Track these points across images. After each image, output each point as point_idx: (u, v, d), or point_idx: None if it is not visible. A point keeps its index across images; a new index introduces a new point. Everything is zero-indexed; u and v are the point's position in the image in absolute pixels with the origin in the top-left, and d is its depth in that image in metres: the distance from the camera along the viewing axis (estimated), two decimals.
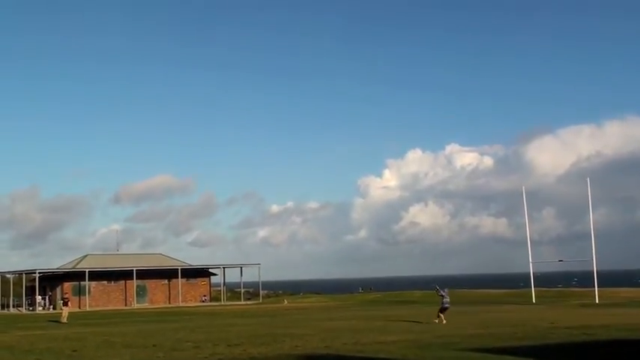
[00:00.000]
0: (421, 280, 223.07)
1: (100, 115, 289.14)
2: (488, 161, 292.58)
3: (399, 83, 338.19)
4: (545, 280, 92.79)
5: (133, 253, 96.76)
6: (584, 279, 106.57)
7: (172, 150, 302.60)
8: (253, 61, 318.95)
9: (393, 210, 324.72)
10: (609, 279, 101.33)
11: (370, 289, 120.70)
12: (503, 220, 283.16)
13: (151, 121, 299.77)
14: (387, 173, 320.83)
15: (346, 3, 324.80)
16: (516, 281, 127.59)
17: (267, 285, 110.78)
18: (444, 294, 36.73)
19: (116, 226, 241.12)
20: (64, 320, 47.05)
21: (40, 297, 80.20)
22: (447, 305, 36.53)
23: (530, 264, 65.71)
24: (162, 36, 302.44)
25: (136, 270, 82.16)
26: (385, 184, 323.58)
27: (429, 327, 33.99)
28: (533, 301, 62.79)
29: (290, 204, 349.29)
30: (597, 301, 59.01)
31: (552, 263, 72.53)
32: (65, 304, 49.58)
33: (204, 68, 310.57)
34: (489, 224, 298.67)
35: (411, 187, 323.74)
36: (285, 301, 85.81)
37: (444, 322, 35.39)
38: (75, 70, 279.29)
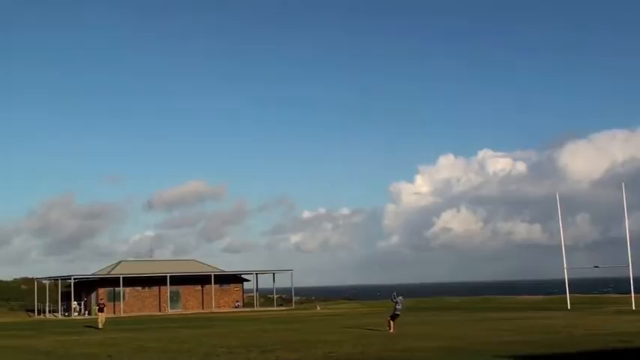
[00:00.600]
0: (454, 286, 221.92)
1: (133, 123, 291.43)
2: (521, 166, 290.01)
3: (430, 89, 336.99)
4: (580, 286, 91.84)
5: (166, 260, 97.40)
6: (619, 285, 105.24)
7: (205, 157, 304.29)
8: (283, 68, 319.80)
9: (425, 216, 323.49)
10: None
11: (402, 295, 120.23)
12: (536, 226, 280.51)
13: (184, 129, 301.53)
14: (419, 179, 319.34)
15: (379, 7, 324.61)
16: (551, 288, 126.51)
17: (299, 291, 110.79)
18: (398, 301, 36.66)
19: (149, 233, 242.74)
20: (101, 326, 47.46)
21: (75, 302, 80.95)
22: (398, 312, 36.46)
23: (565, 270, 65.07)
24: (196, 48, 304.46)
25: (170, 276, 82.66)
26: (417, 190, 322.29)
27: (462, 333, 33.82)
28: (568, 307, 62.14)
29: (322, 210, 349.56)
30: (634, 308, 58.26)
31: (587, 269, 71.74)
32: (101, 309, 49.98)
33: (235, 76, 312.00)
34: (523, 230, 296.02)
35: (444, 193, 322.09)
36: (318, 307, 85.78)
37: (392, 330, 35.17)
38: (107, 79, 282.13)
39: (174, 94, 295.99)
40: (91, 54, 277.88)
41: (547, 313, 54.24)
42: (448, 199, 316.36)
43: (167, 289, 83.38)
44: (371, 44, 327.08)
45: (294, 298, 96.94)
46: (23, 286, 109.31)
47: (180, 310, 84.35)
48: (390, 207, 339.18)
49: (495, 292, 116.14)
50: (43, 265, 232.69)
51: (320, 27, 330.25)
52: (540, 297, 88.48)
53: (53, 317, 79.11)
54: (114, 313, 77.33)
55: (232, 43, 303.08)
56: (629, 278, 61.05)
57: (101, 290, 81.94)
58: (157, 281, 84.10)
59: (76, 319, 70.93)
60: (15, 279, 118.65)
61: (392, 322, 35.88)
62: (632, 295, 60.59)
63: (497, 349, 25.27)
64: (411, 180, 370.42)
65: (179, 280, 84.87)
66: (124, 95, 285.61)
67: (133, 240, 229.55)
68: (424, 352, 25.06)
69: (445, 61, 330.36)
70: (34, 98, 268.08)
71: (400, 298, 37.40)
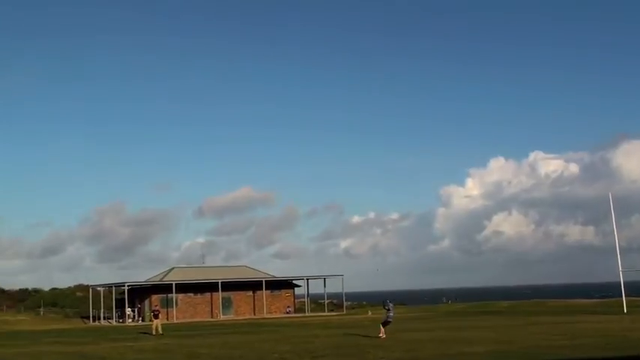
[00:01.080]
0: (506, 290, 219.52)
1: (182, 131, 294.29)
2: (573, 168, 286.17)
3: (479, 91, 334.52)
4: (636, 289, 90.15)
5: (218, 266, 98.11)
6: None
7: (255, 163, 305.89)
8: (331, 74, 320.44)
9: (476, 219, 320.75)
10: None
11: (455, 299, 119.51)
12: (590, 228, 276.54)
13: (233, 135, 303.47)
14: (469, 182, 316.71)
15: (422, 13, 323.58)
16: (605, 291, 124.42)
17: (350, 296, 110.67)
18: (390, 308, 37.03)
19: (200, 239, 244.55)
20: (155, 332, 47.98)
21: (129, 309, 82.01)
22: (390, 319, 36.68)
23: (620, 272, 64.03)
24: (243, 56, 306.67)
25: (222, 282, 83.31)
26: (468, 193, 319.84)
27: (513, 337, 33.53)
28: (625, 310, 61.13)
29: (371, 215, 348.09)
30: None
31: None
32: (156, 316, 50.52)
33: (284, 84, 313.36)
34: (576, 232, 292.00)
35: (495, 196, 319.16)
36: (369, 312, 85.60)
37: (384, 336, 35.28)
38: (156, 88, 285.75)
39: (223, 102, 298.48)
40: (140, 63, 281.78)
41: (602, 317, 53.46)
42: (499, 202, 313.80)
43: (219, 296, 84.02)
44: (418, 46, 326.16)
45: (345, 303, 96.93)
46: (78, 293, 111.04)
47: (232, 316, 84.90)
48: (441, 210, 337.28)
49: (548, 295, 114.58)
50: (97, 272, 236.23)
51: (361, 30, 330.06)
52: (594, 300, 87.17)
53: (108, 324, 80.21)
54: (167, 319, 78.08)
55: (283, 49, 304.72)
56: None
57: (154, 297, 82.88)
58: (208, 287, 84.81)
59: (129, 326, 71.86)
60: (70, 286, 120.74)
61: (383, 329, 36.21)
62: None
63: (549, 354, 25.06)
64: (461, 183, 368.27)
65: (231, 286, 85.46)
66: (173, 103, 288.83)
67: (184, 247, 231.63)
68: (476, 357, 24.93)
69: (495, 62, 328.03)
70: (84, 109, 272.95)
71: (391, 305, 37.87)
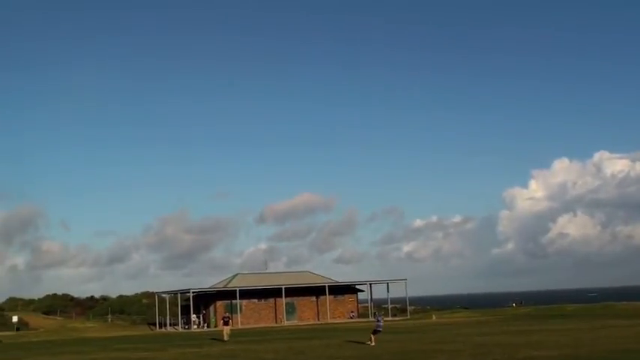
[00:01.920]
0: (572, 293, 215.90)
1: (243, 138, 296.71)
2: None
3: (541, 91, 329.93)
4: None
5: (280, 272, 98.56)
6: None
7: (315, 169, 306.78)
8: (390, 75, 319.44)
9: (541, 221, 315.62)
10: None
11: (521, 302, 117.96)
12: None
13: (293, 141, 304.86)
14: (533, 184, 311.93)
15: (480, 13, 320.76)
16: None
17: (413, 300, 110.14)
18: (379, 318, 39.52)
19: (262, 246, 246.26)
20: (226, 338, 48.40)
21: (194, 315, 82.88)
22: (379, 329, 38.22)
23: None
24: (299, 60, 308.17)
25: (285, 288, 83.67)
26: (531, 195, 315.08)
27: (581, 341, 32.97)
28: None
29: (434, 218, 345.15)
30: None
31: None
32: (226, 323, 51.00)
33: (343, 87, 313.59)
34: None
35: (559, 198, 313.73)
36: (434, 317, 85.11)
37: (373, 344, 36.25)
38: (218, 98, 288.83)
39: (283, 108, 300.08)
40: (196, 75, 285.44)
41: None
42: (564, 203, 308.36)
43: (282, 301, 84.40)
44: (476, 41, 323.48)
45: (408, 308, 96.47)
46: (144, 300, 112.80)
47: (295, 321, 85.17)
48: (504, 213, 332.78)
49: (615, 298, 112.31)
50: (161, 280, 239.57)
51: (423, 26, 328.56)
52: None
53: (174, 330, 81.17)
54: (231, 325, 78.67)
55: (340, 49, 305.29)
56: None
57: (219, 303, 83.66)
58: (272, 293, 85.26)
59: (195, 332, 72.63)
60: (136, 293, 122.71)
61: (373, 337, 37.40)
62: None
63: (619, 358, 24.56)
64: (524, 185, 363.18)
65: (294, 291, 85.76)
66: (234, 112, 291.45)
67: (246, 253, 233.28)
68: None
69: (559, 59, 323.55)
70: (148, 119, 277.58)
71: (381, 315, 42.47)
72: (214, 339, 51.33)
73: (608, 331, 39.80)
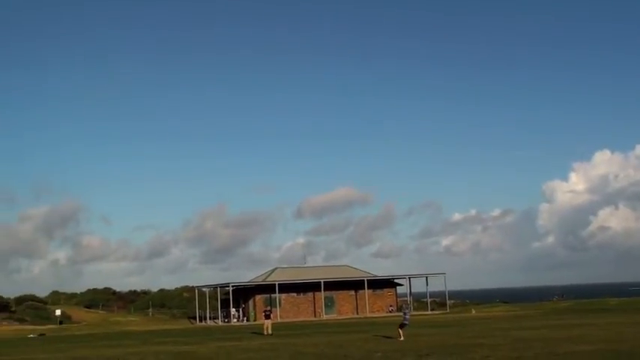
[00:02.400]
0: (614, 287, 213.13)
1: (280, 132, 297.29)
2: None
3: (582, 82, 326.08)
4: None
5: (319, 266, 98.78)
6: None
7: (353, 163, 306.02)
8: (425, 69, 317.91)
9: (582, 215, 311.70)
10: None
11: (562, 296, 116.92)
12: None
13: (331, 135, 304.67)
14: (573, 177, 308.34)
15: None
16: None
17: (452, 294, 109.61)
18: (406, 311, 39.12)
19: (299, 240, 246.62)
20: (268, 332, 48.60)
21: (234, 309, 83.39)
22: (406, 322, 37.81)
23: None
24: (339, 53, 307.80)
25: (324, 282, 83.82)
26: (572, 187, 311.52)
27: (623, 336, 32.56)
28: None
29: (472, 212, 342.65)
30: None
31: None
32: (268, 316, 51.24)
33: (383, 82, 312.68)
34: None
35: (600, 190, 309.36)
36: (473, 311, 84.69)
37: (402, 338, 36.07)
38: (257, 91, 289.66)
39: (321, 102, 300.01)
40: (239, 70, 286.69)
41: None
42: (605, 196, 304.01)
43: (321, 295, 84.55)
44: (517, 31, 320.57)
45: (448, 302, 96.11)
46: (185, 294, 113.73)
47: (334, 315, 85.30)
48: (544, 206, 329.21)
49: None
50: (200, 274, 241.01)
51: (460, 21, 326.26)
52: None
53: (214, 324, 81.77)
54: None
55: (379, 39, 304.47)
56: None
57: (258, 297, 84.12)
58: (311, 287, 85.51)
59: (234, 326, 73.08)
60: (177, 287, 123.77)
61: (400, 331, 37.21)
62: None
63: None
64: (565, 178, 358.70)
65: (333, 285, 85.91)
66: (273, 106, 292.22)
67: (284, 247, 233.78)
68: (586, 356, 24.29)
69: (599, 50, 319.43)
70: (188, 113, 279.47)
71: (408, 309, 40.97)
72: (254, 333, 51.58)
73: None
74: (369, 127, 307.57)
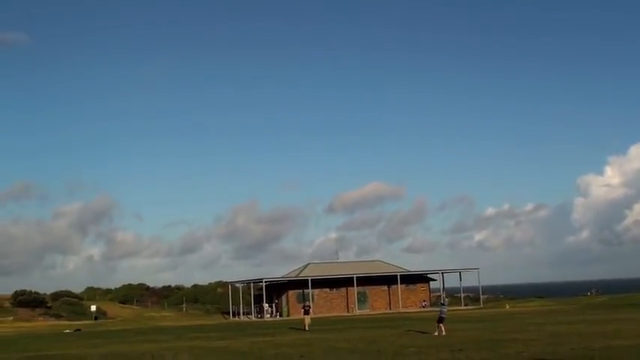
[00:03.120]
0: None
1: (322, 128, 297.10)
2: None
3: (617, 74, 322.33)
4: None
5: (351, 261, 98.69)
6: None
7: (385, 157, 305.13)
8: (458, 64, 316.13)
9: (617, 209, 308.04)
10: None
11: (597, 291, 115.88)
12: None
13: (362, 129, 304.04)
14: (608, 170, 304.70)
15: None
16: None
17: (486, 289, 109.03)
18: (444, 303, 39.63)
19: (331, 235, 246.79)
20: (307, 327, 48.70)
21: (267, 305, 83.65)
22: (443, 315, 36.92)
23: None
24: (369, 46, 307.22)
25: (357, 277, 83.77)
26: (607, 181, 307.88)
27: None
28: None
29: (505, 206, 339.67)
30: None
31: None
32: (307, 312, 51.40)
33: (415, 76, 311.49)
34: None
35: (636, 184, 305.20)
36: (507, 306, 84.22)
37: (443, 333, 35.35)
38: (286, 87, 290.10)
39: (351, 98, 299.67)
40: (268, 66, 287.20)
41: None
42: None
43: (354, 290, 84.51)
44: (552, 23, 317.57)
45: (481, 297, 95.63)
46: (219, 290, 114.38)
47: (367, 310, 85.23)
48: (579, 200, 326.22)
49: None
50: (233, 269, 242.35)
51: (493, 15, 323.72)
52: None
53: (247, 319, 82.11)
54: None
55: (410, 33, 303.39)
56: None
57: (291, 292, 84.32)
58: (344, 282, 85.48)
59: (268, 321, 73.33)
60: (210, 283, 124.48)
61: (442, 326, 36.25)
62: None
63: None
64: (599, 172, 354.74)
65: (365, 280, 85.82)
66: (304, 101, 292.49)
67: (316, 243, 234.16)
68: (622, 351, 24.04)
69: (633, 44, 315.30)
70: (219, 110, 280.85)
71: (445, 303, 41.19)
72: (292, 328, 51.76)
73: None
74: (401, 122, 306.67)
